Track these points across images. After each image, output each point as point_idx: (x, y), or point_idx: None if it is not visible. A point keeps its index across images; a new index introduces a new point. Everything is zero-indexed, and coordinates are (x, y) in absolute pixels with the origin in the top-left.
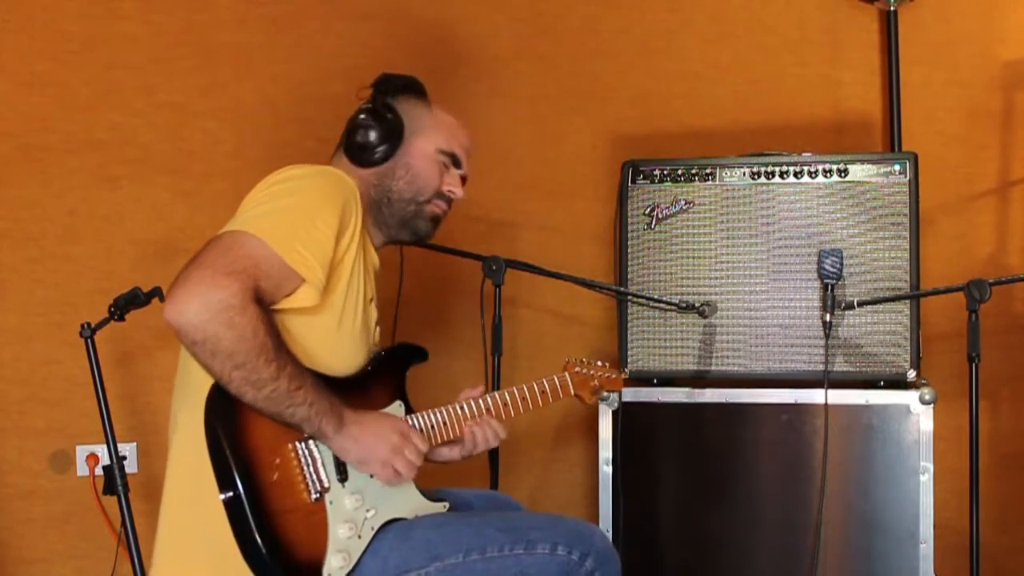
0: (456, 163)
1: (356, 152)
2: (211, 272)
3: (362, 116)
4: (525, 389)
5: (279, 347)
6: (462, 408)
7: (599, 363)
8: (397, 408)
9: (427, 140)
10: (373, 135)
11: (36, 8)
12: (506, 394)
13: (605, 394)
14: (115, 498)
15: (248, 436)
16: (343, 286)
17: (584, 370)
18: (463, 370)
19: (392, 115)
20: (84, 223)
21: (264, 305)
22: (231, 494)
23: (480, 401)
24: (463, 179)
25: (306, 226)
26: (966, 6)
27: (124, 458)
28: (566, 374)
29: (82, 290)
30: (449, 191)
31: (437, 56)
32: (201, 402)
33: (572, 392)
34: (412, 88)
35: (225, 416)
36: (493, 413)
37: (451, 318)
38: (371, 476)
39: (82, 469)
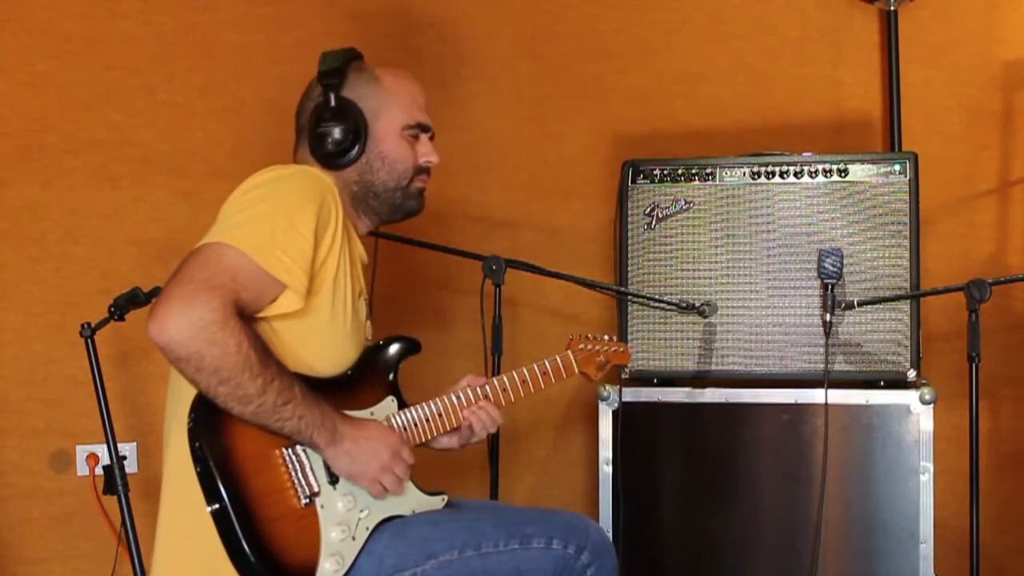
0: (424, 128)
1: (327, 158)
2: (191, 288)
3: (321, 122)
4: (525, 372)
5: (265, 360)
6: (458, 397)
7: (605, 337)
8: (389, 403)
9: (389, 120)
10: (339, 137)
11: (36, 8)
12: (505, 379)
13: (605, 393)
14: (115, 498)
15: (233, 445)
16: (329, 286)
17: (589, 346)
18: (463, 370)
19: (350, 110)
20: (84, 223)
21: (246, 317)
22: (217, 505)
23: (478, 388)
24: (431, 137)
25: (285, 229)
26: (966, 6)
27: (124, 458)
28: (569, 352)
29: (82, 290)
30: (426, 162)
31: (437, 56)
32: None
33: (576, 371)
34: (356, 67)
35: (209, 427)
36: (492, 400)
37: (451, 318)
38: None
39: (82, 469)
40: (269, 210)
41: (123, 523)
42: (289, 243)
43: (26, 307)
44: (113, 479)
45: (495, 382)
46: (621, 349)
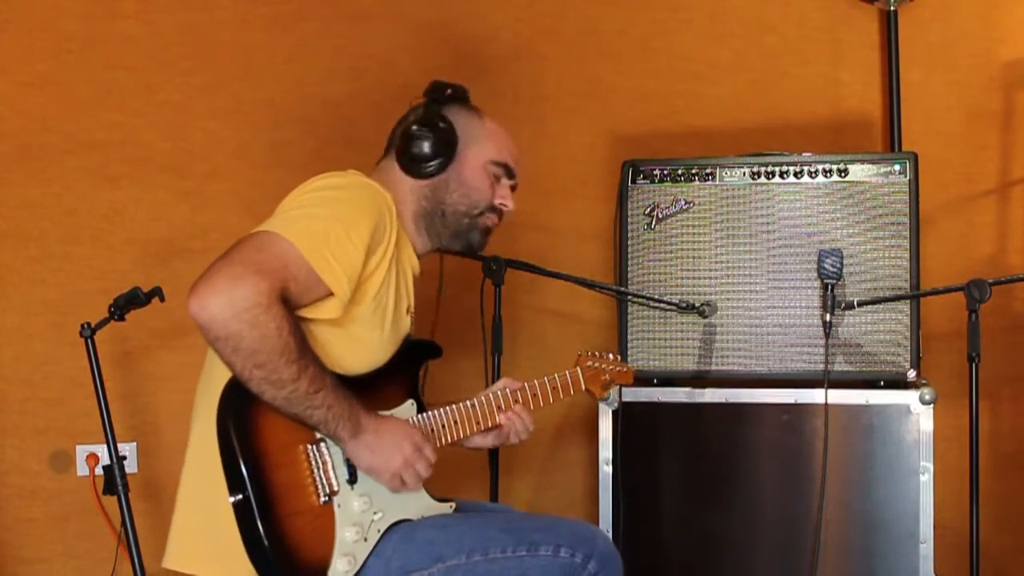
0: (508, 173)
1: (409, 163)
2: (240, 268)
3: (416, 127)
4: (537, 385)
5: (302, 348)
6: (474, 406)
7: (611, 356)
8: (409, 407)
9: (479, 151)
10: (427, 147)
11: (36, 8)
12: (517, 391)
13: (607, 393)
14: (115, 498)
15: (259, 438)
16: (370, 300)
17: (596, 364)
18: (463, 370)
19: (445, 126)
20: (84, 223)
21: (290, 306)
22: (240, 496)
23: (491, 398)
24: (513, 188)
25: (339, 236)
26: (966, 6)
27: (124, 458)
28: (578, 369)
29: (82, 290)
30: (502, 204)
31: (437, 56)
32: (218, 401)
33: (584, 387)
34: (463, 98)
35: (237, 417)
36: (503, 413)
37: (451, 318)
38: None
39: (82, 469)
40: (327, 214)
41: (123, 523)
42: (340, 250)
43: (26, 307)
44: (113, 479)
45: (508, 393)
46: (625, 369)
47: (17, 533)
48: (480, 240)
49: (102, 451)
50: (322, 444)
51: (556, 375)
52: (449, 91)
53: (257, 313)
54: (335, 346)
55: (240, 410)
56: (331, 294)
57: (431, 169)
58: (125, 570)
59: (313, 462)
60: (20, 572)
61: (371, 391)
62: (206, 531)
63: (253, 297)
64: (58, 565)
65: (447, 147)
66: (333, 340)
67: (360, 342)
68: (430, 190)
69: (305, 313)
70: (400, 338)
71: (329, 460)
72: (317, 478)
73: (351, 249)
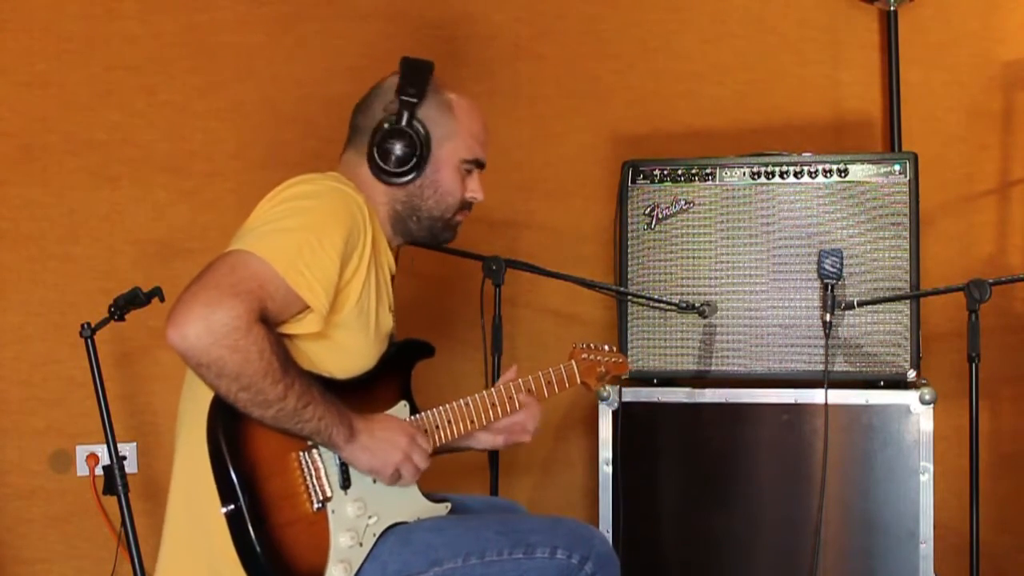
0: (479, 165)
1: (382, 172)
2: (216, 292)
3: (389, 136)
4: (532, 381)
5: (286, 365)
6: (467, 404)
7: (606, 347)
8: (402, 408)
9: (452, 150)
10: (402, 156)
11: (36, 8)
12: (512, 387)
13: (605, 393)
14: (115, 498)
15: (250, 448)
16: (351, 307)
17: (591, 356)
18: (463, 370)
19: (419, 134)
20: (84, 223)
21: (269, 324)
22: (232, 507)
23: (486, 395)
24: (482, 169)
25: (312, 247)
26: (966, 6)
27: (124, 458)
28: (572, 362)
29: (82, 290)
30: (472, 197)
31: (437, 57)
32: (205, 412)
33: (579, 380)
34: (432, 87)
35: (227, 428)
36: (499, 408)
37: (451, 318)
38: (374, 481)
39: (82, 469)
40: (298, 225)
41: (123, 523)
42: (314, 262)
43: (26, 307)
44: (113, 479)
45: (502, 390)
46: (620, 360)
47: (17, 533)
48: (452, 237)
49: (102, 451)
50: (314, 451)
51: (551, 369)
52: (420, 85)
53: (237, 337)
54: (323, 358)
55: (229, 421)
56: (309, 308)
57: (404, 180)
58: (125, 570)
59: (305, 469)
60: (20, 572)
61: (363, 395)
62: (198, 545)
63: (232, 322)
64: (58, 565)
65: (422, 157)
66: (320, 352)
67: (347, 349)
68: (404, 195)
69: (287, 330)
70: (383, 339)
71: (322, 466)
72: (310, 485)
73: (325, 259)
